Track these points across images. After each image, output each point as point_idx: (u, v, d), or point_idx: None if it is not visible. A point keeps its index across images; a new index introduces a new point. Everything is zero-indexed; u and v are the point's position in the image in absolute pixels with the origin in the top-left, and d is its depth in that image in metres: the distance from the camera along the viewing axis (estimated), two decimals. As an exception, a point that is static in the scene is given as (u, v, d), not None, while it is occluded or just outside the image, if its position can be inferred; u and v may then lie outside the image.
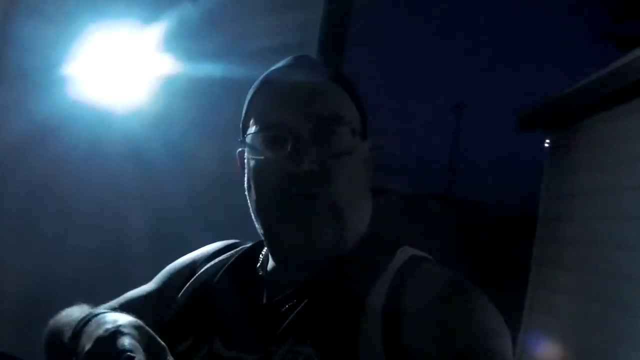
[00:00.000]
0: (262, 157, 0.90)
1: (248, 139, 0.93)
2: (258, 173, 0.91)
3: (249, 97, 0.98)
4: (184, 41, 3.14)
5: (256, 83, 0.98)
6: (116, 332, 0.69)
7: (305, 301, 0.85)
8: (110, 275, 2.92)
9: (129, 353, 0.65)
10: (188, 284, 1.01)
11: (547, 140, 5.87)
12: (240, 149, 0.99)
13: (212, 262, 1.05)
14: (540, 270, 5.45)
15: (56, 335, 0.92)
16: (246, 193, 0.96)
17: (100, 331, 0.71)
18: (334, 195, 0.87)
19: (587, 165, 4.79)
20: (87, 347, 0.70)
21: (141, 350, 0.67)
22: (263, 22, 3.07)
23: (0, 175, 3.15)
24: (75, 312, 0.93)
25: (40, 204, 3.09)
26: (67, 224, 3.08)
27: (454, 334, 0.75)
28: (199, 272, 1.03)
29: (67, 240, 3.06)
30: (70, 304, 1.02)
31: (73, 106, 3.17)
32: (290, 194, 0.86)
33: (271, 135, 0.89)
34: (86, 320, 0.79)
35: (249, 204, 0.95)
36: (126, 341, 0.68)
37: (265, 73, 0.98)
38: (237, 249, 1.07)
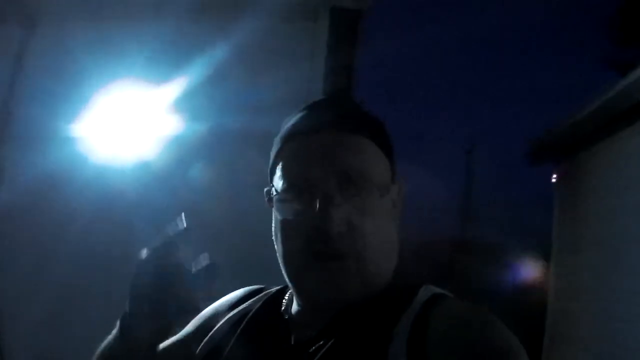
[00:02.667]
0: (291, 215, 0.91)
1: (277, 193, 0.93)
2: (285, 226, 0.92)
3: (278, 142, 0.98)
4: (191, 98, 3.22)
5: (285, 129, 0.97)
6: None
7: (332, 341, 0.86)
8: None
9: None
10: (215, 329, 1.03)
11: (556, 173, 5.88)
12: (266, 189, 0.99)
13: (238, 309, 1.06)
14: (558, 301, 5.38)
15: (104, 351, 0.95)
16: (273, 238, 0.97)
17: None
18: (360, 253, 0.88)
19: (597, 192, 4.77)
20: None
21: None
22: (268, 76, 3.16)
23: (12, 228, 3.20)
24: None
25: (51, 257, 3.13)
26: (75, 277, 3.11)
27: (474, 358, 0.76)
28: (225, 318, 1.04)
29: (75, 293, 3.09)
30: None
31: (82, 162, 3.24)
32: (316, 252, 0.87)
33: (299, 193, 0.90)
34: None
35: (276, 249, 0.96)
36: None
37: (295, 118, 0.97)
38: (261, 294, 1.08)
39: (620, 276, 4.14)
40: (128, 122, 3.27)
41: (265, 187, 1.01)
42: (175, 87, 3.19)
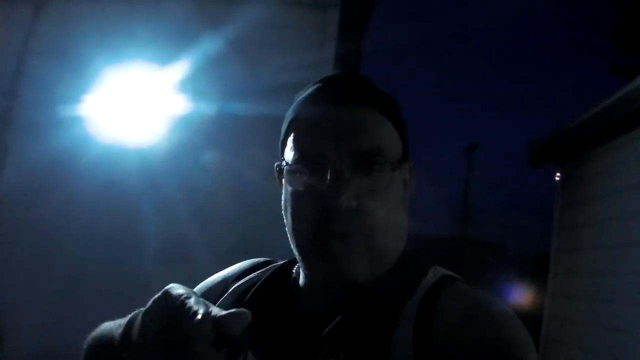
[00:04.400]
0: (301, 188, 0.89)
1: (287, 164, 0.92)
2: (295, 202, 0.90)
3: (290, 117, 0.95)
4: (198, 81, 3.22)
5: (297, 101, 0.96)
6: (169, 289, 0.73)
7: (339, 317, 0.85)
8: (125, 313, 2.91)
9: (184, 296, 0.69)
10: (220, 300, 1.01)
11: (558, 173, 5.89)
12: (277, 164, 0.97)
13: (245, 279, 1.04)
14: (555, 301, 5.40)
15: (102, 339, 0.93)
16: (283, 212, 0.95)
17: (154, 297, 0.74)
18: (370, 232, 0.87)
19: (598, 194, 4.79)
20: (143, 312, 0.74)
21: (195, 295, 0.70)
22: (276, 62, 3.17)
23: (17, 211, 3.21)
24: (116, 321, 0.93)
25: (56, 241, 3.13)
26: (82, 261, 3.11)
27: (482, 346, 0.76)
28: (232, 289, 1.03)
29: (81, 276, 3.09)
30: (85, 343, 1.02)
31: (88, 144, 3.25)
32: (326, 229, 0.86)
33: (310, 167, 0.88)
34: (138, 313, 0.81)
35: (285, 222, 0.95)
36: (180, 290, 0.71)
37: (307, 91, 0.96)
38: (269, 266, 1.07)
39: (618, 279, 4.15)
40: (134, 104, 3.28)
41: (271, 170, 1.00)
42: (181, 71, 3.20)
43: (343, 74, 1.00)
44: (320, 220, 0.87)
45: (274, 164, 0.99)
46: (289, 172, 0.92)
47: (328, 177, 0.85)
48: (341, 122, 0.89)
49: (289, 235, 0.94)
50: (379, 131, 0.91)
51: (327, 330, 0.85)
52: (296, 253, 0.94)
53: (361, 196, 0.87)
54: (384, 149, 0.89)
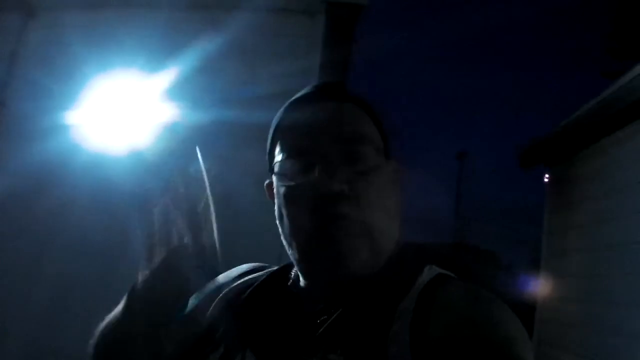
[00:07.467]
0: (293, 183, 0.92)
1: (277, 167, 0.95)
2: (289, 198, 0.93)
3: (273, 126, 1.00)
4: (187, 89, 3.22)
5: (280, 112, 1.00)
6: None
7: (337, 313, 0.87)
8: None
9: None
10: (217, 299, 1.03)
11: (547, 175, 5.92)
12: (267, 181, 1.01)
13: (241, 280, 1.07)
14: (547, 304, 5.41)
15: (109, 323, 0.96)
16: (277, 222, 0.97)
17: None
18: (364, 214, 0.89)
19: (587, 196, 4.81)
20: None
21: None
22: (263, 69, 3.19)
23: (7, 220, 3.19)
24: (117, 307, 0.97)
25: (46, 250, 3.12)
26: (73, 267, 3.10)
27: (479, 342, 0.77)
28: (228, 289, 1.05)
29: (72, 284, 3.08)
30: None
31: (77, 152, 3.24)
32: (322, 214, 0.88)
33: (300, 161, 0.91)
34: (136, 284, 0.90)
35: (281, 231, 0.97)
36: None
37: (288, 102, 1.00)
38: (265, 270, 1.10)
39: (607, 281, 4.18)
40: (124, 113, 3.27)
41: (260, 177, 1.02)
42: (170, 79, 3.20)
43: (320, 82, 1.04)
44: (315, 206, 0.89)
45: (261, 171, 1.02)
46: (280, 172, 0.95)
47: (318, 168, 0.89)
48: (323, 115, 0.94)
49: (285, 240, 0.96)
50: (360, 121, 0.95)
51: (324, 326, 0.87)
52: (293, 251, 0.95)
53: (352, 180, 0.90)
54: (367, 135, 0.94)
